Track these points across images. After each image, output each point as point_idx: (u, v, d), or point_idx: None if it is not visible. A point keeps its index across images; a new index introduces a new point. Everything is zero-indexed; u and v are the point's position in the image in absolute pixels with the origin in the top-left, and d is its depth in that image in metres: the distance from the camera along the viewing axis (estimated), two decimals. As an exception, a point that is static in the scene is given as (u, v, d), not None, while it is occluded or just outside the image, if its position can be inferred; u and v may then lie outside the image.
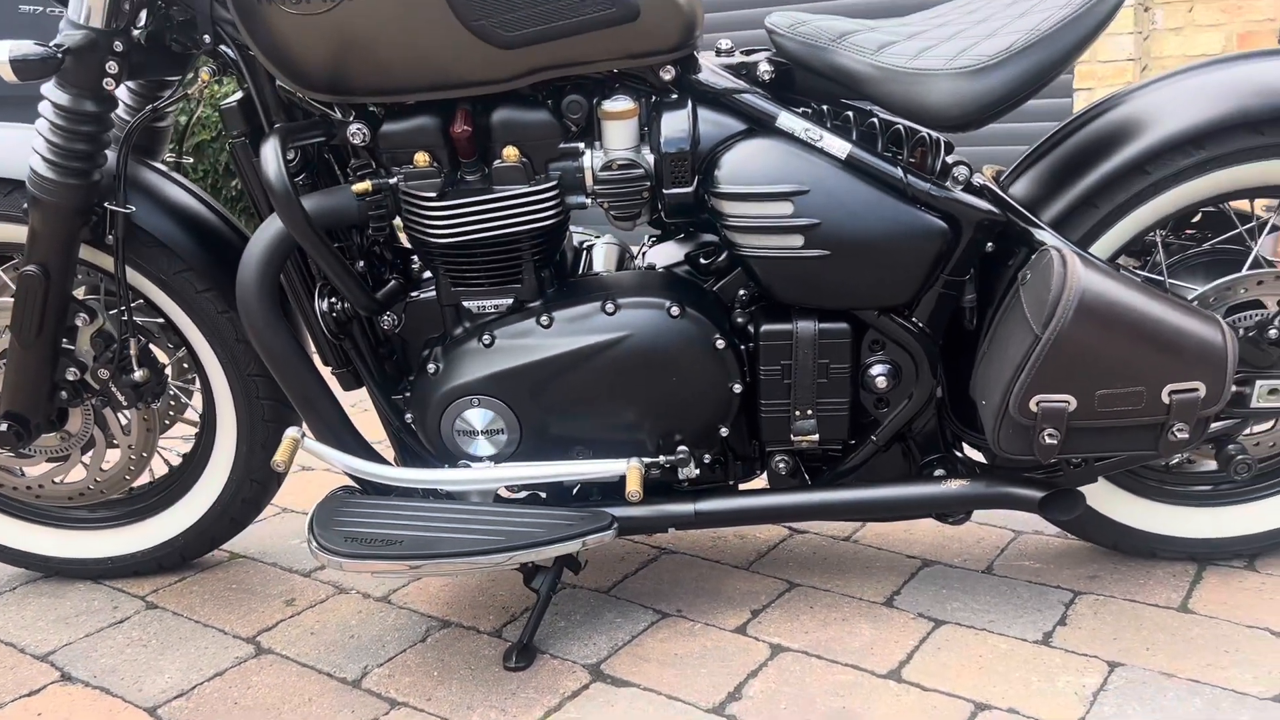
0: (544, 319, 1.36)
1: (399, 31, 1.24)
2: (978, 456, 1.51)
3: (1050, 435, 1.25)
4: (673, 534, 1.79)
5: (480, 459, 1.40)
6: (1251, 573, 1.55)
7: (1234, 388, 1.36)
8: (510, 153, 1.32)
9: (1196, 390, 1.22)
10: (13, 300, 1.47)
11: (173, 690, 1.41)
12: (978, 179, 1.39)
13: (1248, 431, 1.49)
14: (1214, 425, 1.39)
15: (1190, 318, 1.23)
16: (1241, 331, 1.36)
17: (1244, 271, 1.39)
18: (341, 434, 1.43)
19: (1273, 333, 1.35)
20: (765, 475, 1.50)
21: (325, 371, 1.47)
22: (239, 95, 1.39)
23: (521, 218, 1.33)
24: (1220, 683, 1.30)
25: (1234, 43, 3.53)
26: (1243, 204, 1.46)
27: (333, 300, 1.41)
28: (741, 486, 1.53)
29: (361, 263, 1.43)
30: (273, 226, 1.33)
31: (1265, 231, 1.42)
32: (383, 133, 1.33)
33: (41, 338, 1.48)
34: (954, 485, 1.41)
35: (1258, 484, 1.55)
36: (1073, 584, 1.56)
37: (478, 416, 1.38)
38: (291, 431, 1.39)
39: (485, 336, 1.37)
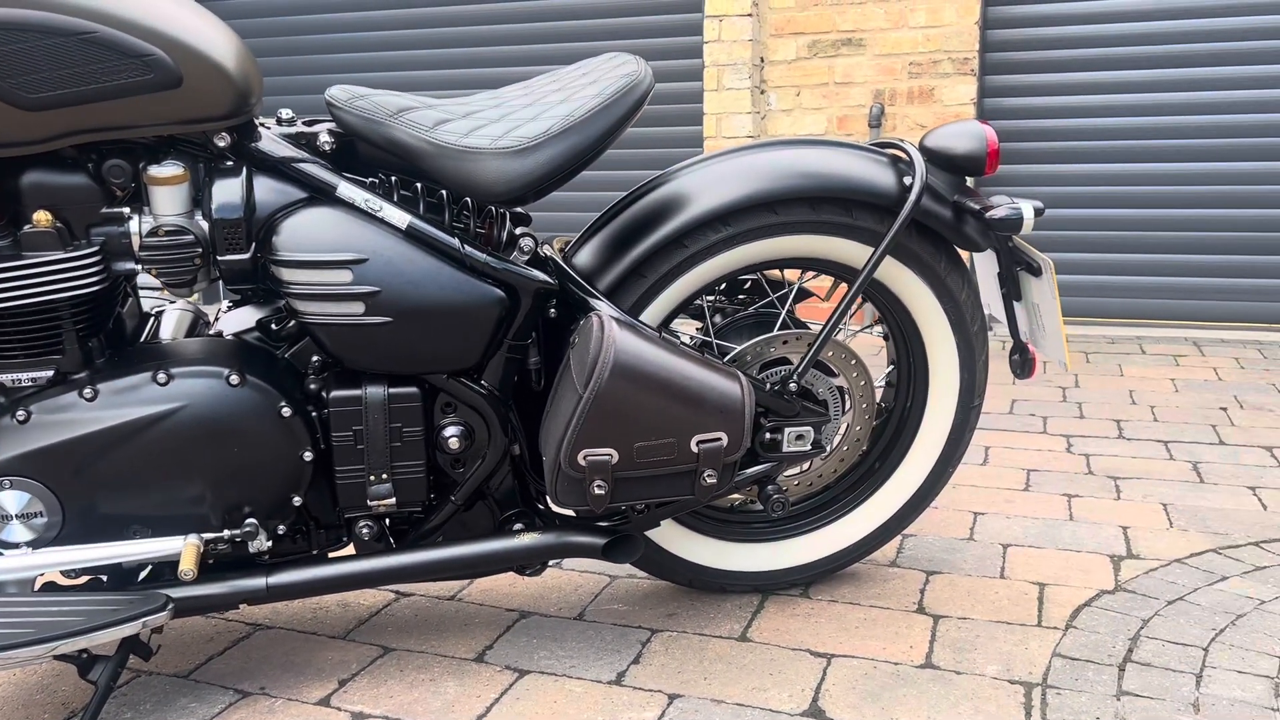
0: (88, 391, 1.29)
1: (-104, 87, 1.14)
2: (562, 510, 1.59)
3: (599, 486, 1.35)
4: (269, 608, 1.74)
5: (16, 545, 1.29)
6: (805, 599, 1.74)
7: (767, 435, 1.55)
8: (42, 217, 1.25)
9: (720, 439, 1.37)
10: None
11: None
12: (544, 250, 1.48)
13: (789, 472, 1.68)
14: (753, 469, 1.56)
15: (714, 375, 1.37)
16: (769, 385, 1.54)
17: (773, 333, 1.57)
18: None
19: (794, 385, 1.53)
20: (351, 542, 1.50)
21: None
22: None
23: (57, 285, 1.26)
24: (761, 704, 1.44)
25: (834, 124, 4.01)
26: (777, 272, 1.66)
27: None
28: (331, 554, 1.52)
29: (-128, 335, 1.29)
30: None
31: (792, 299, 1.62)
32: (-111, 194, 1.22)
33: None
34: (526, 539, 1.47)
35: (806, 518, 1.75)
36: (652, 623, 1.67)
37: (11, 499, 1.28)
38: None
39: (20, 412, 1.28)
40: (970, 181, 1.61)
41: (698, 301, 1.62)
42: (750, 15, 3.95)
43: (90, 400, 1.29)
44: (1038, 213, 1.49)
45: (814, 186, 1.49)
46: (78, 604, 1.26)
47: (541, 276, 1.42)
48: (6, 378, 1.30)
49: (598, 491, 1.36)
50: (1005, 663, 1.53)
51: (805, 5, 3.99)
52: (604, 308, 1.44)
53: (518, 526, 1.52)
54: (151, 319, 1.51)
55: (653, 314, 1.53)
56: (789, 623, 1.66)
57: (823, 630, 1.63)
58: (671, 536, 1.67)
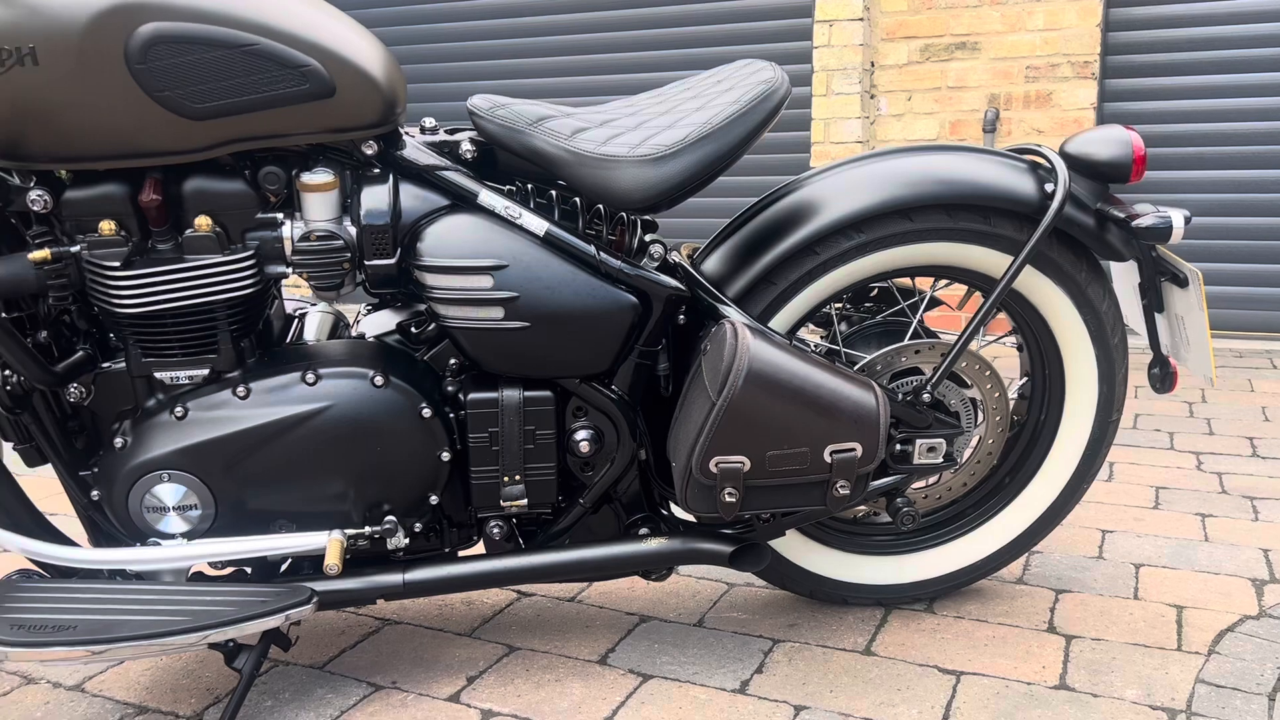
0: (241, 390, 1.35)
1: (78, 101, 1.21)
2: (686, 515, 1.59)
3: (730, 494, 1.35)
4: (397, 603, 1.78)
5: (172, 536, 1.35)
6: (929, 615, 1.71)
7: (897, 446, 1.52)
8: (203, 222, 1.31)
9: (854, 450, 1.35)
10: None
11: None
12: (673, 257, 1.49)
13: (917, 485, 1.65)
14: (882, 481, 1.54)
15: (849, 384, 1.36)
16: (901, 396, 1.52)
17: (904, 342, 1.54)
18: (17, 513, 1.35)
19: (926, 396, 1.51)
20: (482, 541, 1.53)
21: (8, 447, 1.39)
22: (-97, 156, 1.30)
23: (215, 287, 1.31)
24: (889, 719, 1.41)
25: (946, 129, 3.94)
26: (908, 280, 1.64)
27: (6, 373, 1.34)
28: (462, 553, 1.55)
29: (45, 332, 1.36)
30: (-69, 296, 1.25)
31: (924, 308, 1.59)
32: (66, 200, 1.29)
33: None
34: (653, 544, 1.48)
35: (932, 532, 1.72)
36: (773, 633, 1.66)
37: (169, 492, 1.34)
38: (-45, 514, 1.30)
39: (178, 408, 1.34)
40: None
41: (824, 309, 1.60)
42: (861, 20, 3.90)
43: (243, 398, 1.34)
44: (1186, 221, 1.44)
45: (951, 193, 1.46)
46: (230, 594, 1.31)
47: (673, 283, 1.43)
48: (165, 375, 1.36)
49: (728, 499, 1.35)
50: (1145, 687, 1.47)
51: (918, 9, 3.93)
52: (735, 315, 1.44)
53: (643, 531, 1.52)
54: (295, 321, 1.56)
55: (781, 321, 1.52)
56: (914, 638, 1.63)
57: (950, 647, 1.60)
58: (793, 546, 1.65)
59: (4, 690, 1.52)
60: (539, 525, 1.54)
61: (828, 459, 1.35)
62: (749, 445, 1.32)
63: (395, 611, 1.76)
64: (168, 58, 1.21)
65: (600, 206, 1.48)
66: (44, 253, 1.27)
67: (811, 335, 1.80)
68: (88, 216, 1.29)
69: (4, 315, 1.28)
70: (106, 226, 1.29)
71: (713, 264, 1.53)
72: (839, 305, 1.65)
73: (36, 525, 1.36)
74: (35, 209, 1.28)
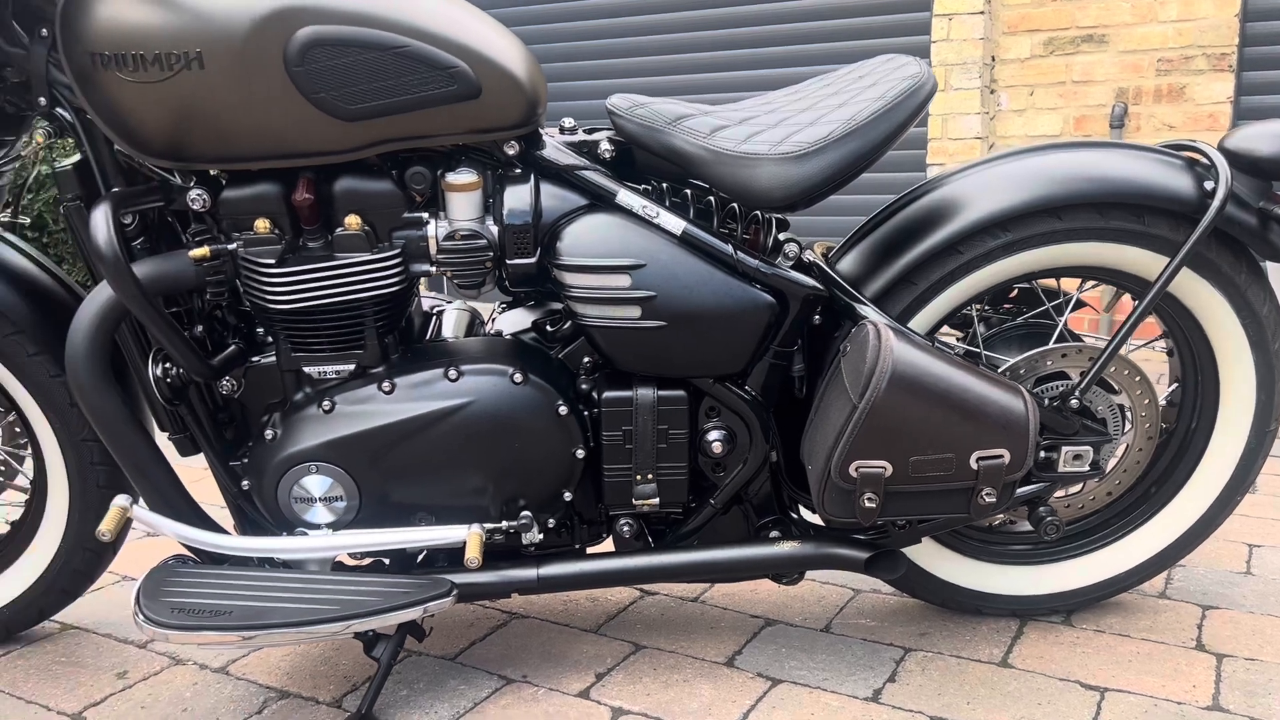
0: (386, 385, 1.38)
1: (239, 103, 1.25)
2: (814, 519, 1.57)
3: (870, 499, 1.32)
4: (521, 598, 1.80)
5: (318, 526, 1.39)
6: (1068, 628, 1.65)
7: (1041, 453, 1.47)
8: (352, 221, 1.34)
9: (1001, 456, 1.31)
10: None
11: (-17, 773, 1.34)
12: (807, 255, 1.47)
13: (1059, 494, 1.59)
14: (1025, 488, 1.49)
15: (996, 388, 1.32)
16: (1047, 401, 1.47)
17: (1050, 345, 1.49)
18: (175, 501, 1.40)
19: (1074, 402, 1.45)
20: (611, 538, 1.53)
21: (163, 437, 1.44)
22: (75, 158, 1.37)
23: (363, 285, 1.34)
24: (1031, 734, 1.37)
25: (1070, 125, 3.81)
26: (1051, 281, 1.58)
27: (167, 365, 1.39)
28: (588, 550, 1.55)
29: (200, 327, 1.41)
30: (104, 292, 1.31)
31: (1070, 310, 1.54)
32: (223, 199, 1.33)
33: None
34: (786, 547, 1.46)
35: (1071, 543, 1.66)
36: (904, 641, 1.62)
37: (316, 483, 1.37)
38: (119, 500, 1.36)
39: (325, 402, 1.37)
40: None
41: (964, 310, 1.56)
42: (982, 13, 3.80)
43: (389, 393, 1.37)
44: (1359, 220, 1.35)
45: (1103, 191, 1.41)
46: (375, 585, 1.34)
47: (811, 282, 1.41)
48: (314, 370, 1.40)
49: (868, 504, 1.33)
50: (1309, 713, 1.39)
51: (1042, 1, 3.80)
52: (875, 315, 1.41)
53: (774, 534, 1.51)
54: (432, 318, 1.59)
55: (920, 323, 1.49)
56: (1053, 651, 1.58)
57: (1091, 661, 1.54)
58: (926, 553, 1.61)
59: (155, 670, 1.59)
60: (668, 525, 1.54)
61: (974, 465, 1.31)
62: (891, 450, 1.29)
63: (521, 606, 1.78)
64: (324, 60, 1.24)
65: (734, 205, 1.47)
66: (204, 250, 1.32)
67: (947, 338, 1.75)
68: (244, 215, 1.34)
69: (168, 311, 1.33)
70: (262, 225, 1.33)
71: (849, 263, 1.51)
72: (979, 306, 1.60)
73: (192, 512, 1.41)
74: (195, 208, 1.33)
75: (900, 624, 1.68)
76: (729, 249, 1.38)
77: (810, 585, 1.83)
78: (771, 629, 1.68)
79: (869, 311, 1.41)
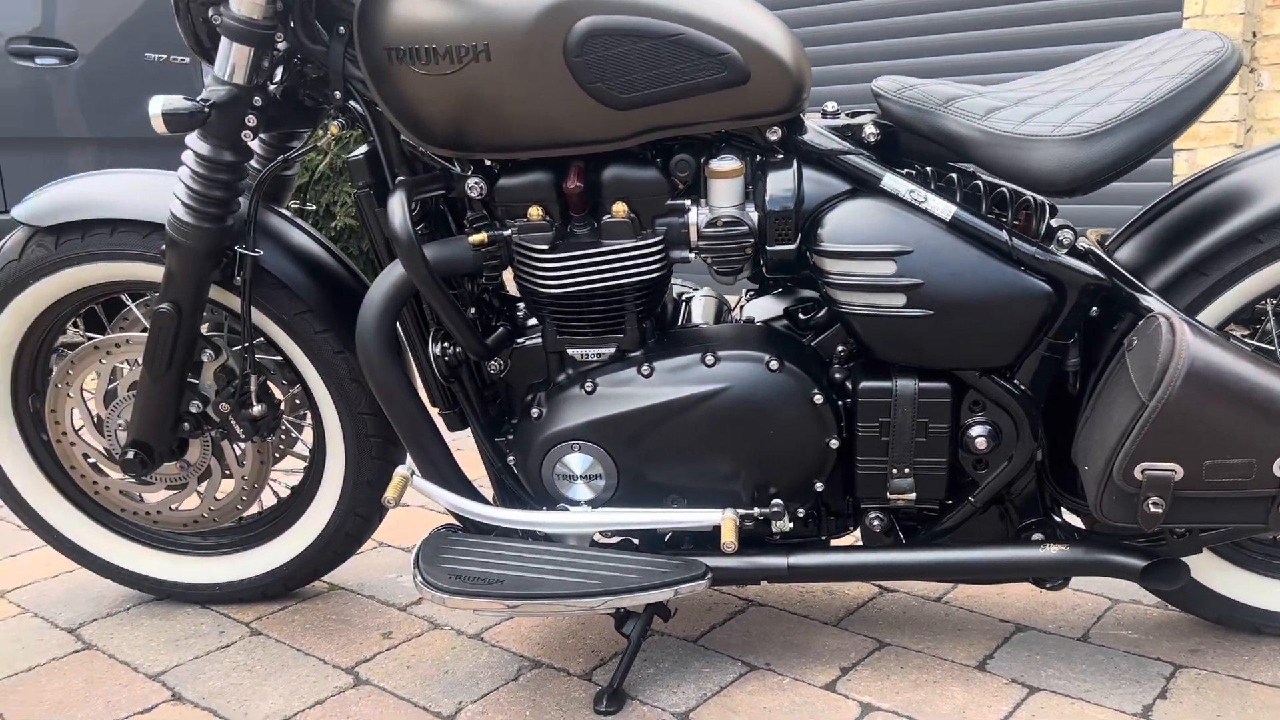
0: (645, 368, 1.40)
1: (520, 93, 1.30)
2: (1076, 522, 1.49)
3: (1155, 504, 1.24)
4: (762, 586, 1.79)
5: (578, 503, 1.44)
6: (1366, 655, 1.50)
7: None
8: (620, 208, 1.37)
9: (1310, 464, 1.20)
10: (146, 335, 1.56)
11: (277, 715, 1.46)
12: (1082, 243, 1.39)
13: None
14: (1328, 500, 1.35)
15: (1304, 390, 1.21)
16: (1358, 405, 1.33)
17: (1361, 344, 1.35)
18: (446, 473, 1.48)
19: (1391, 408, 1.31)
20: (858, 532, 1.50)
21: (432, 412, 1.53)
22: (364, 149, 1.47)
23: (628, 270, 1.37)
24: (1334, 769, 1.25)
25: (1346, 105, 3.44)
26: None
27: (445, 345, 1.47)
28: (833, 542, 1.53)
29: (472, 310, 1.48)
30: (394, 273, 1.39)
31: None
32: (499, 187, 1.39)
33: (170, 372, 1.57)
34: (1053, 550, 1.39)
35: (1374, 562, 1.50)
36: (1173, 657, 1.52)
37: (578, 461, 1.42)
38: (402, 469, 1.45)
39: (588, 384, 1.41)
40: None
41: (1257, 305, 1.43)
42: (1243, -16, 3.49)
43: (648, 376, 1.40)
44: None
45: None
46: (634, 563, 1.37)
47: (1092, 271, 1.33)
48: (576, 352, 1.44)
49: (1152, 509, 1.24)
50: None
51: (1315, -32, 3.46)
52: (1163, 307, 1.32)
53: (1037, 536, 1.44)
54: (682, 305, 1.61)
55: (1208, 317, 1.38)
56: (1351, 680, 1.44)
57: (1400, 696, 1.39)
58: (1201, 565, 1.50)
59: (417, 632, 1.69)
60: (920, 521, 1.50)
61: (1278, 473, 1.20)
62: (1184, 452, 1.21)
63: (758, 594, 1.78)
64: (601, 50, 1.27)
65: (1002, 191, 1.40)
66: (482, 236, 1.38)
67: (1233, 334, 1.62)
68: (517, 203, 1.39)
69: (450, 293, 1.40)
70: (535, 212, 1.38)
71: (1128, 252, 1.42)
72: (1274, 302, 1.47)
73: (461, 484, 1.49)
74: (473, 195, 1.40)
75: (1167, 638, 1.57)
76: (1003, 235, 1.33)
77: (1062, 592, 1.74)
78: (1023, 635, 1.60)
79: (1155, 303, 1.33)
